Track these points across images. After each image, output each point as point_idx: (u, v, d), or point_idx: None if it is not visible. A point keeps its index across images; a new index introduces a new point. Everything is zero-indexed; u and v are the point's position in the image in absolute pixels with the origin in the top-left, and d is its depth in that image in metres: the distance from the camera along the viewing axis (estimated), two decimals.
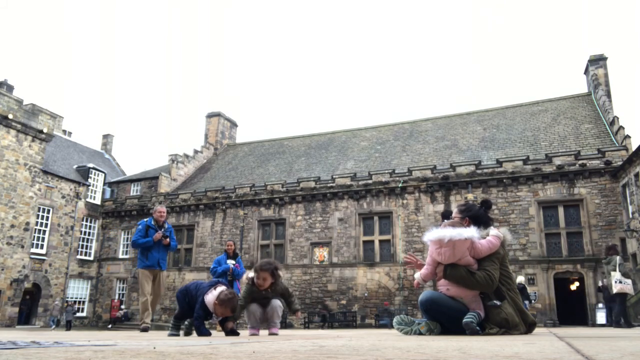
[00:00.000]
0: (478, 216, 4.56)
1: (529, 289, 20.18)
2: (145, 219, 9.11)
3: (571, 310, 23.16)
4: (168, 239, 8.71)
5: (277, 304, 5.36)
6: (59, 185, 30.21)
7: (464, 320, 3.87)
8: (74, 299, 30.42)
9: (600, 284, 19.61)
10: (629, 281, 11.48)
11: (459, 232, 3.98)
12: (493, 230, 4.40)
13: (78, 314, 30.59)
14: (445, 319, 4.14)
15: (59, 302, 27.99)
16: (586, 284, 21.04)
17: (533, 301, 20.55)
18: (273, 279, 5.16)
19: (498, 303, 4.11)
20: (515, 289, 4.41)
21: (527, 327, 4.22)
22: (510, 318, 4.04)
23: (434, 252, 4.15)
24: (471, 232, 4.05)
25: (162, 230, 8.69)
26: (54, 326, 26.07)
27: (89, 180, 32.46)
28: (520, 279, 18.60)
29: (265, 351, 1.54)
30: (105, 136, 42.29)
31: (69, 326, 25.66)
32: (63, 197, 30.40)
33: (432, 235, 4.08)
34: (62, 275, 29.97)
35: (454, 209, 4.74)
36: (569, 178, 22.19)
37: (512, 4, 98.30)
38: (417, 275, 4.45)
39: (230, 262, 10.23)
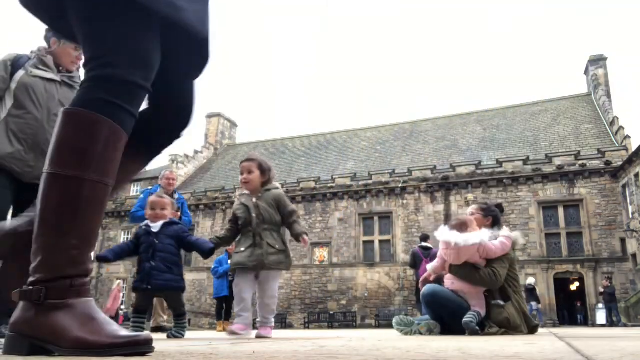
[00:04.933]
0: (498, 217, 4.65)
1: None
2: (150, 187, 6.92)
3: (571, 311, 23.18)
4: (177, 213, 6.12)
5: (273, 288, 3.70)
6: None
7: (464, 320, 3.88)
8: None
9: (601, 289, 19.32)
10: None
11: (466, 238, 4.00)
12: (504, 231, 4.42)
13: None
14: (445, 313, 4.19)
15: None
16: (586, 284, 21.04)
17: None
18: (263, 175, 3.74)
19: (502, 303, 4.13)
20: (520, 292, 4.44)
21: (529, 331, 4.23)
22: (512, 319, 4.05)
23: (442, 250, 4.27)
24: (479, 236, 4.06)
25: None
26: None
27: None
28: (531, 280, 18.56)
29: (265, 351, 1.55)
30: None
31: None
32: None
33: (441, 235, 4.20)
34: None
35: (472, 207, 4.78)
36: (569, 178, 22.19)
37: (513, 4, 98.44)
38: (429, 266, 4.62)
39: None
